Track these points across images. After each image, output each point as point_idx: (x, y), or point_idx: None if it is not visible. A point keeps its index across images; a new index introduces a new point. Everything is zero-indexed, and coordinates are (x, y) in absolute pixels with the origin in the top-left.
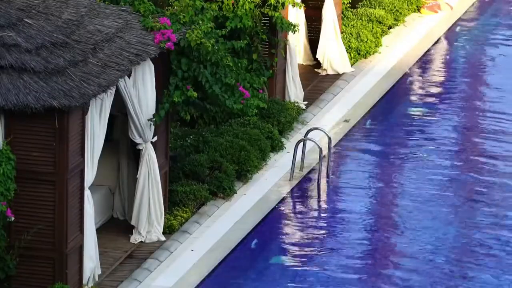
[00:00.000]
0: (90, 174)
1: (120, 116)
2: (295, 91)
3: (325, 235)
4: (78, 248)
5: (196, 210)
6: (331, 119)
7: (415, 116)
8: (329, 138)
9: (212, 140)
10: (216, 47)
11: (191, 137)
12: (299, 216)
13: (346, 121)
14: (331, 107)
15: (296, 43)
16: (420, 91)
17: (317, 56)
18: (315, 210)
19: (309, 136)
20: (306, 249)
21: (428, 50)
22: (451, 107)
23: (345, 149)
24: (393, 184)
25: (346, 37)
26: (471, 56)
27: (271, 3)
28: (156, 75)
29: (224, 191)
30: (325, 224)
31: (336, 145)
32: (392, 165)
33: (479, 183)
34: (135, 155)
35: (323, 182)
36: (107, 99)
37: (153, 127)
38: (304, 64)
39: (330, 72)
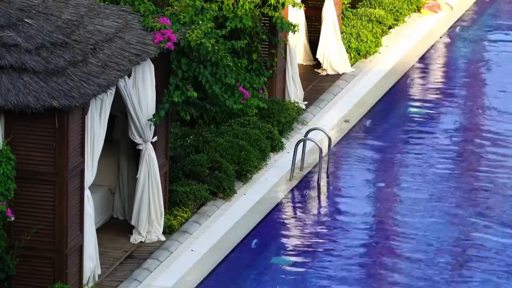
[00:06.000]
0: (90, 174)
1: (120, 116)
2: (295, 91)
3: (325, 235)
4: (78, 248)
5: (196, 210)
6: (331, 119)
7: (415, 116)
8: (329, 138)
9: (212, 140)
10: (216, 47)
11: (191, 137)
12: (299, 216)
13: (346, 121)
14: (331, 107)
15: (296, 43)
16: (420, 91)
17: (317, 56)
18: (315, 210)
19: (309, 136)
20: (306, 249)
21: (428, 50)
22: (451, 107)
23: (345, 149)
24: (393, 184)
25: (346, 37)
26: (471, 56)
27: (271, 3)
28: (156, 75)
29: (224, 191)
30: (325, 224)
31: (336, 145)
32: (392, 165)
33: (479, 183)
34: (135, 155)
35: (323, 182)
36: (107, 99)
37: (153, 127)
38: (304, 64)
39: (330, 72)
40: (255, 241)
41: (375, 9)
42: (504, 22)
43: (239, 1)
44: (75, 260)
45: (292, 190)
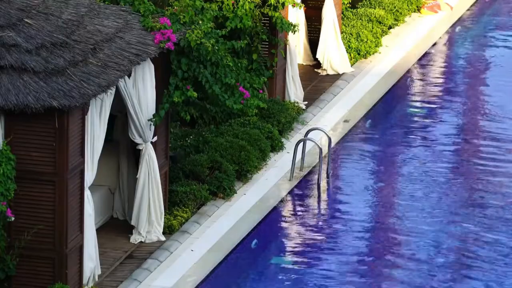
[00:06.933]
0: (90, 174)
1: (120, 116)
2: (295, 91)
3: (325, 235)
4: (78, 248)
5: (196, 210)
6: (331, 119)
7: (415, 116)
8: (329, 138)
9: (212, 140)
10: (216, 47)
11: (191, 137)
12: (299, 216)
13: (346, 121)
14: (331, 107)
15: (296, 43)
16: (420, 91)
17: (317, 56)
18: (315, 210)
19: (309, 136)
20: (306, 249)
21: (428, 50)
22: (451, 107)
23: (345, 149)
24: (393, 184)
25: (346, 37)
26: (471, 56)
27: (271, 3)
28: (156, 75)
29: (224, 191)
30: (325, 224)
31: (336, 145)
32: (392, 165)
33: (479, 183)
34: (135, 155)
35: (323, 182)
36: (107, 99)
37: (153, 127)
38: (304, 64)
39: (330, 72)
40: (255, 241)
41: (375, 9)
42: (504, 22)
43: (239, 1)
44: (75, 260)
45: (292, 190)
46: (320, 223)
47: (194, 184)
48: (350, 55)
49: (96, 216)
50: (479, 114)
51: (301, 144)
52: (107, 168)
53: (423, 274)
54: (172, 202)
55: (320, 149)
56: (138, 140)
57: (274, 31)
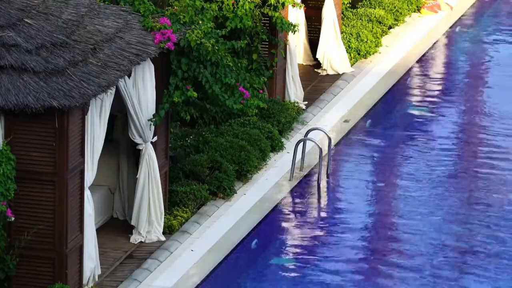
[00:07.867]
0: (90, 174)
1: (120, 116)
2: (295, 91)
3: (325, 235)
4: (78, 248)
5: (196, 210)
6: (331, 119)
7: (415, 116)
8: (329, 138)
9: (212, 140)
10: (216, 47)
11: (191, 137)
12: (299, 216)
13: (346, 121)
14: (331, 107)
15: (296, 43)
16: (420, 91)
17: (317, 56)
18: (315, 210)
19: (309, 136)
20: (306, 249)
21: (428, 50)
22: (451, 107)
23: (345, 149)
24: (393, 184)
25: (346, 37)
26: (471, 56)
27: (271, 3)
28: (156, 75)
29: (224, 191)
30: (325, 224)
31: (336, 145)
32: (392, 165)
33: (479, 183)
34: (135, 155)
35: (323, 182)
36: (107, 99)
37: (153, 127)
38: (304, 64)
39: (330, 72)
40: (255, 241)
41: (375, 9)
42: (504, 22)
43: (239, 1)
44: (75, 260)
45: (292, 190)
46: (320, 223)
47: (194, 184)
48: (350, 55)
49: (96, 216)
50: (479, 113)
51: (301, 144)
52: (107, 168)
53: (423, 273)
54: (172, 202)
55: (320, 149)
56: (138, 140)
57: (274, 31)
